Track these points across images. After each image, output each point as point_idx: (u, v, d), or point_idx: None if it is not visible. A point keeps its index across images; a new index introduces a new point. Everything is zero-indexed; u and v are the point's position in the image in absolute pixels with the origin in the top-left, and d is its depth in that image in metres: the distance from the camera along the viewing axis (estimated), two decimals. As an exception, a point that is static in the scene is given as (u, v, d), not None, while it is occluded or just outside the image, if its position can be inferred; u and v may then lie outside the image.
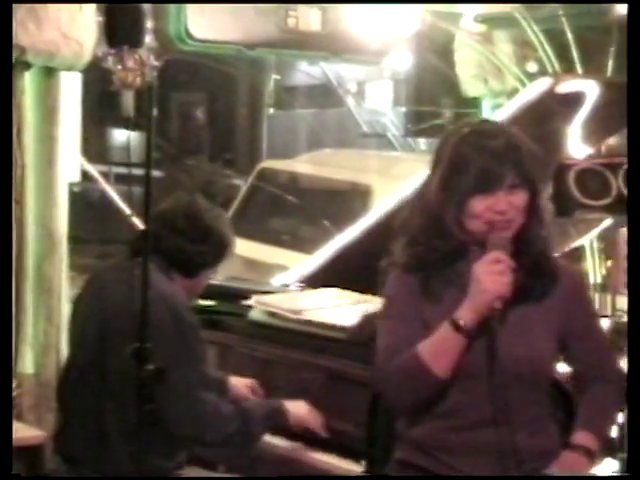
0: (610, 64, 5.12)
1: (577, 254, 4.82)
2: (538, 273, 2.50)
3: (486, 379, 2.42)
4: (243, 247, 4.73)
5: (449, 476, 2.48)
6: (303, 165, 7.33)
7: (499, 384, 2.42)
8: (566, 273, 2.57)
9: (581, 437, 2.52)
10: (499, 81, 6.19)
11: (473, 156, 2.40)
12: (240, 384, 3.38)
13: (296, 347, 3.45)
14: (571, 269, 2.66)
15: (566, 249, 4.14)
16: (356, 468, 3.09)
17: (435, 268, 2.48)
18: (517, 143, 2.44)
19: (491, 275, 2.37)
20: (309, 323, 3.47)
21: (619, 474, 2.95)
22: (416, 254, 2.49)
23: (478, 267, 2.39)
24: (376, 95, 11.54)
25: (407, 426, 2.54)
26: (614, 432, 3.08)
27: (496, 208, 2.40)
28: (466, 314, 2.39)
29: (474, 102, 6.76)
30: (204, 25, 8.13)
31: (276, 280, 4.31)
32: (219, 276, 3.49)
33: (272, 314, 3.61)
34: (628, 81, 2.90)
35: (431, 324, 2.44)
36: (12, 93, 3.95)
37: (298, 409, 3.18)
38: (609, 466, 3.10)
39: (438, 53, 6.98)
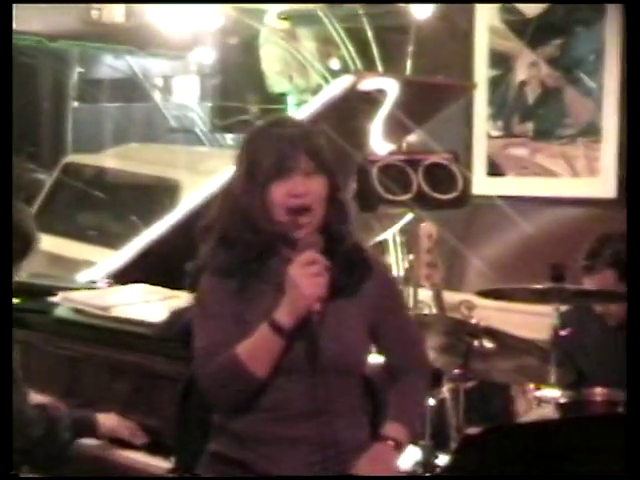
0: (409, 63, 5.27)
1: (381, 248, 4.95)
2: (350, 268, 2.56)
3: (306, 374, 2.48)
4: (48, 243, 4.63)
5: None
6: (110, 159, 7.22)
7: (319, 378, 2.48)
8: (377, 266, 2.64)
9: (390, 429, 2.59)
10: (304, 78, 6.28)
11: (267, 144, 2.50)
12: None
13: (104, 344, 3.42)
14: (382, 262, 2.75)
15: (370, 243, 4.24)
16: (165, 464, 3.09)
17: (249, 269, 2.52)
18: (309, 130, 2.57)
19: (308, 278, 2.42)
20: (117, 319, 3.44)
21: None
22: (229, 256, 2.51)
23: (294, 269, 2.43)
24: (183, 90, 11.45)
25: (225, 418, 2.56)
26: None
27: (294, 192, 2.47)
28: (285, 316, 2.43)
29: (280, 98, 6.82)
30: (4, 15, 7.88)
31: (82, 276, 4.25)
32: (22, 273, 3.42)
33: (79, 311, 3.56)
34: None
35: (248, 323, 2.47)
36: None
37: (108, 420, 3.19)
38: (411, 454, 3.20)
39: (244, 49, 7.01)
